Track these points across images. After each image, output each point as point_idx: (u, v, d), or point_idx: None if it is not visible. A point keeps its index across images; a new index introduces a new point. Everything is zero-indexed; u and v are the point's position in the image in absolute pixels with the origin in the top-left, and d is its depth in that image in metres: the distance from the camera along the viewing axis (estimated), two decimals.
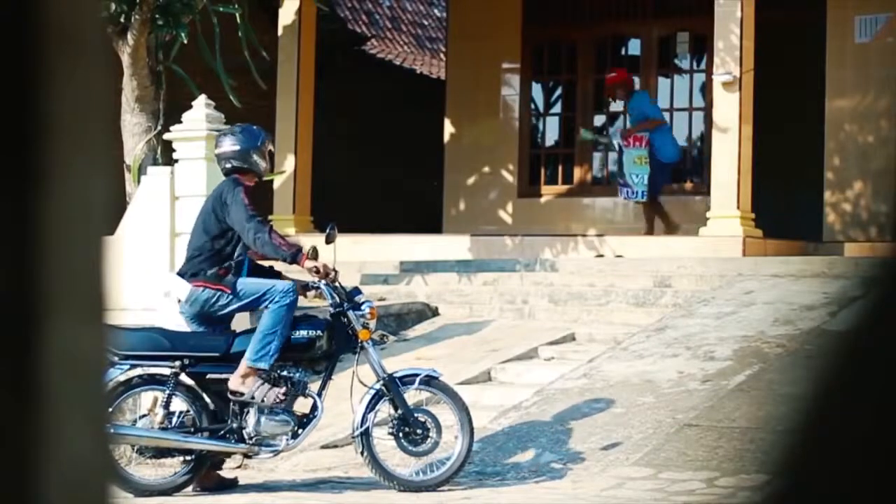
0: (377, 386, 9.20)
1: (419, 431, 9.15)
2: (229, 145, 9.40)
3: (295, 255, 9.04)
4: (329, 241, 9.45)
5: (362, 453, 9.14)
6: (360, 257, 15.43)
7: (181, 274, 9.24)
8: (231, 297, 9.05)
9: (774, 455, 1.05)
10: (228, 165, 9.39)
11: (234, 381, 8.95)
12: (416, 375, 9.30)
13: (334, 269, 9.24)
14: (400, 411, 9.16)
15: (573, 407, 10.47)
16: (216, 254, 9.12)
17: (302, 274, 9.46)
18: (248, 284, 9.07)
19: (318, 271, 9.10)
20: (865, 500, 1.02)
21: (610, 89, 16.94)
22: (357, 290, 9.47)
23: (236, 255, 9.13)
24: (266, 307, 9.01)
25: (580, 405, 10.49)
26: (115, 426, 8.84)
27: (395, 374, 9.25)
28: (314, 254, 9.30)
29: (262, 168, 9.44)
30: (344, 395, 9.30)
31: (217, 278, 9.06)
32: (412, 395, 9.35)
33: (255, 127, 9.75)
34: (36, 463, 1.02)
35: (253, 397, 8.92)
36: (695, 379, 10.66)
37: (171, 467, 9.33)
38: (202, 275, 9.09)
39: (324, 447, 10.27)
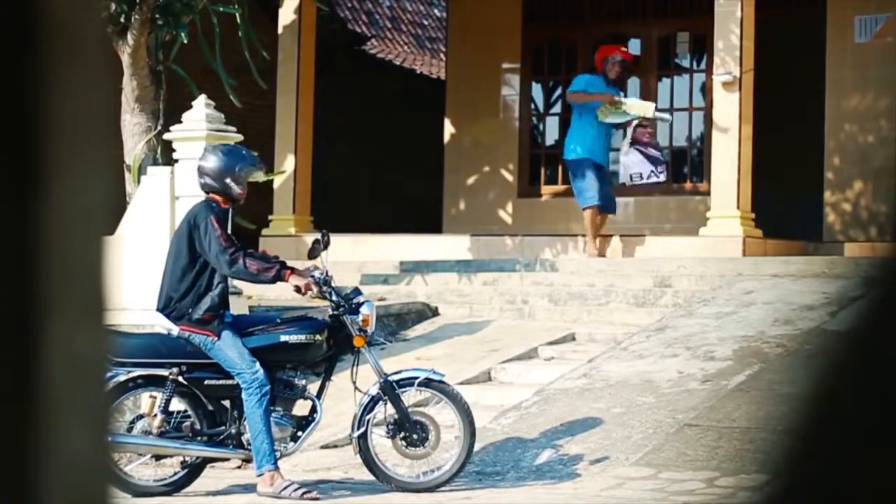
0: (374, 390, 9.17)
1: (415, 436, 9.12)
2: (209, 163, 9.20)
3: (277, 276, 8.95)
4: (312, 255, 9.35)
5: (360, 454, 9.14)
6: (360, 257, 15.43)
7: (165, 314, 9.10)
8: (214, 344, 8.95)
9: (774, 455, 1.05)
10: (202, 181, 9.20)
11: (263, 487, 8.90)
12: (415, 378, 9.25)
13: (321, 281, 9.11)
14: (396, 414, 9.14)
15: (573, 407, 10.47)
16: (193, 289, 8.94)
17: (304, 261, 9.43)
18: (228, 346, 8.91)
19: (299, 290, 9.04)
20: (865, 500, 1.02)
21: (622, 67, 15.36)
22: (357, 292, 9.41)
23: (214, 284, 8.97)
24: (242, 394, 8.91)
25: (580, 405, 10.48)
26: (114, 435, 8.80)
27: (393, 377, 9.20)
28: (327, 240, 9.36)
29: (235, 193, 9.15)
30: (344, 395, 9.29)
31: (202, 323, 8.93)
32: (413, 396, 9.32)
33: (244, 151, 9.57)
34: (36, 463, 1.02)
35: (280, 497, 8.86)
36: (695, 379, 10.66)
37: (171, 467, 9.33)
38: (186, 319, 8.96)
39: (324, 447, 10.27)
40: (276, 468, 8.89)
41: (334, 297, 9.19)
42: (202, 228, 8.91)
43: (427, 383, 9.20)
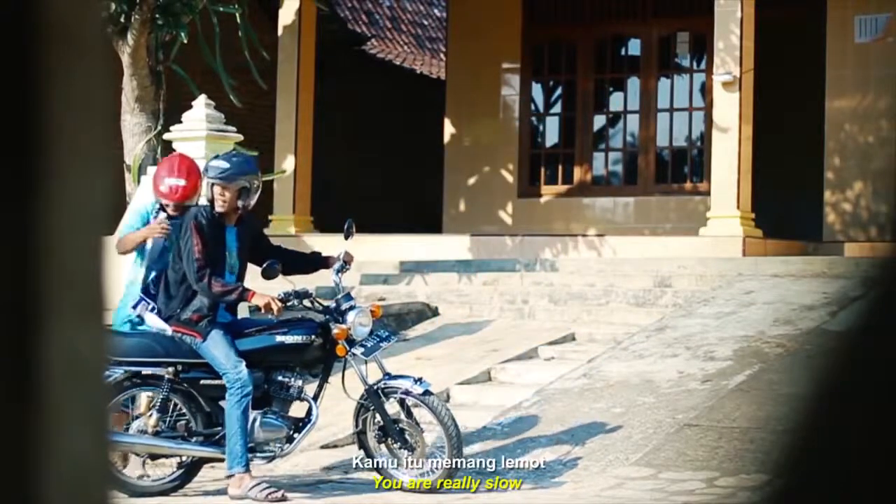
0: (362, 400, 9.20)
1: (398, 443, 9.14)
2: (216, 163, 9.22)
3: (240, 296, 8.98)
4: (267, 276, 9.28)
5: (362, 450, 9.20)
6: (360, 257, 15.41)
7: (157, 311, 9.13)
8: (200, 345, 8.97)
9: (774, 455, 1.05)
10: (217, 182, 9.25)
11: (232, 490, 8.93)
12: (398, 388, 9.21)
13: (290, 296, 9.11)
14: (382, 421, 9.15)
15: (573, 407, 10.47)
16: (181, 288, 9.00)
17: (327, 249, 9.46)
18: (214, 346, 8.94)
19: (259, 310, 9.09)
20: (865, 500, 1.02)
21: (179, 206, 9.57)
22: (347, 297, 9.37)
23: None
24: (227, 395, 8.92)
25: (580, 405, 10.48)
26: (111, 434, 8.77)
27: (378, 385, 9.17)
28: (351, 231, 9.58)
29: (249, 202, 9.22)
30: (344, 395, 9.29)
31: (190, 324, 8.98)
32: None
33: (252, 159, 9.60)
34: (36, 463, 1.02)
35: (247, 497, 8.88)
36: (695, 379, 10.66)
37: (168, 467, 9.33)
38: (175, 320, 9.02)
39: (324, 447, 10.27)
40: (247, 470, 8.89)
41: (318, 306, 9.21)
42: (184, 236, 8.98)
43: (407, 393, 9.17)
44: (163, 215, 9.58)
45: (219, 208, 9.11)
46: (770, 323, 11.73)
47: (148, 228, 9.36)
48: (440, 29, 25.25)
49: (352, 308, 9.21)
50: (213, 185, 9.11)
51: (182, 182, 9.65)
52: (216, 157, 9.46)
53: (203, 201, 9.44)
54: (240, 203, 9.15)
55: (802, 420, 1.05)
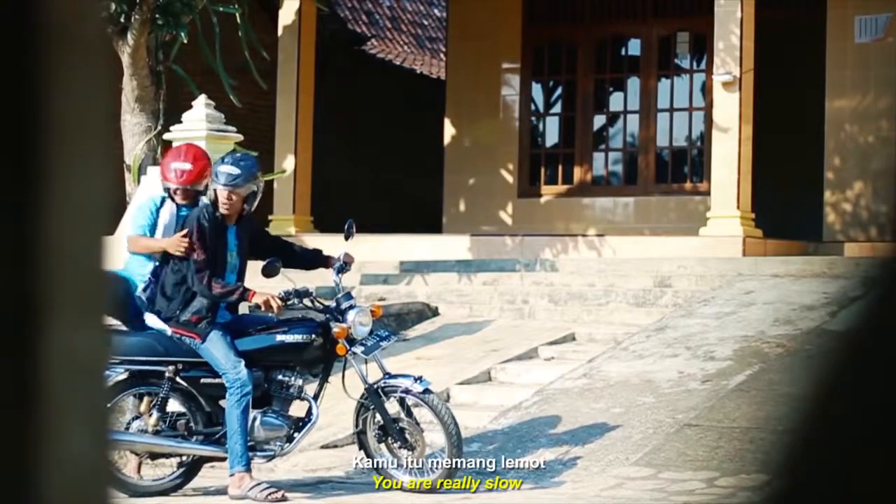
0: (362, 399, 9.20)
1: (398, 443, 9.14)
2: (226, 169, 9.17)
3: (241, 296, 9.01)
4: (267, 274, 9.28)
5: (362, 451, 9.19)
6: (360, 257, 15.42)
7: (155, 311, 9.13)
8: (201, 345, 8.98)
9: (774, 455, 1.05)
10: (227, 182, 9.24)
11: (232, 490, 8.94)
12: (397, 388, 9.20)
13: (290, 294, 9.12)
14: (382, 421, 9.15)
15: (573, 407, 10.47)
16: (180, 288, 9.01)
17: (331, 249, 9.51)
18: (213, 346, 8.95)
19: (259, 308, 9.09)
20: (865, 500, 1.02)
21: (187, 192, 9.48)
22: (347, 296, 9.37)
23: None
24: (227, 395, 8.93)
25: (580, 405, 10.48)
26: (111, 433, 8.74)
27: (378, 384, 9.17)
28: (352, 231, 9.60)
29: (252, 205, 9.25)
30: (344, 395, 9.29)
31: (189, 325, 9.00)
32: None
33: (255, 160, 9.62)
34: (36, 463, 1.02)
35: (247, 497, 8.88)
36: (695, 379, 10.66)
37: (168, 467, 9.34)
38: (174, 321, 9.03)
39: (324, 447, 10.27)
40: (247, 470, 8.89)
41: (318, 305, 9.21)
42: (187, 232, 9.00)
43: (407, 392, 9.16)
44: (165, 210, 9.58)
45: (223, 210, 9.11)
46: (770, 323, 11.73)
47: (170, 243, 9.17)
48: (440, 29, 25.26)
49: (352, 307, 9.22)
50: (220, 190, 9.09)
51: (188, 166, 9.47)
52: (222, 161, 9.36)
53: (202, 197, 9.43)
54: (246, 206, 9.16)
55: (802, 420, 1.05)
